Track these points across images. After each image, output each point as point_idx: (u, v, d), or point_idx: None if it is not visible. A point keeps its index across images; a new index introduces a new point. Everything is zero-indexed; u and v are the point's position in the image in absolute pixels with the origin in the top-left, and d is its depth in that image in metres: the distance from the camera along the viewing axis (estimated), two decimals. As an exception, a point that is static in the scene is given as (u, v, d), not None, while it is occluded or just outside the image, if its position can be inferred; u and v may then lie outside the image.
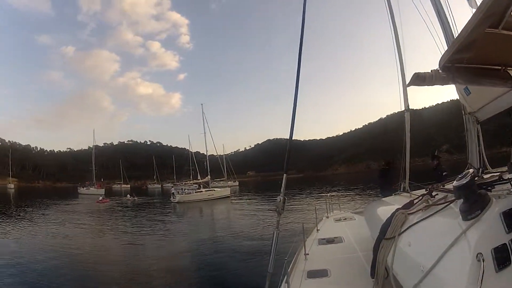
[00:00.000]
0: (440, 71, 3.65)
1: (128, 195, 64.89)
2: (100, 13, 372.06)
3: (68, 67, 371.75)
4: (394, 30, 8.32)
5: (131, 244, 20.69)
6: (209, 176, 64.68)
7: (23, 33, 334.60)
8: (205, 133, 67.07)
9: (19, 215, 38.13)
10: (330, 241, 7.72)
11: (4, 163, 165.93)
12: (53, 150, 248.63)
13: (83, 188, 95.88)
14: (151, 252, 18.30)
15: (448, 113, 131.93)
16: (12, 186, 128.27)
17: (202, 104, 70.39)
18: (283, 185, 4.33)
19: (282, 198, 4.21)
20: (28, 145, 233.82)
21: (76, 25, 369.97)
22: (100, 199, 58.06)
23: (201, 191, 55.90)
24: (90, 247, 20.06)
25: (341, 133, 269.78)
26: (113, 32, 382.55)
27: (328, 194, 14.60)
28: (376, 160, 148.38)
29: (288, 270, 5.28)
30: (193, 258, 16.40)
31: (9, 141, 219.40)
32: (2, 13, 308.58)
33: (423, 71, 3.92)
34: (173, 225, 29.53)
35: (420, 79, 3.86)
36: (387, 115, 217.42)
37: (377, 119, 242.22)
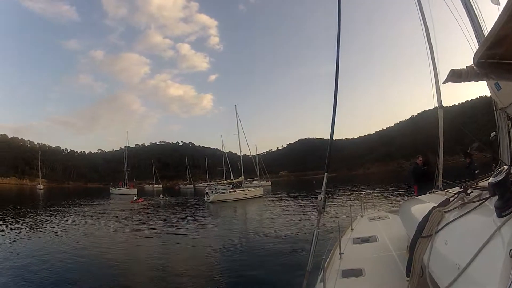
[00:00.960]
0: (474, 67, 3.73)
1: (161, 195, 66.57)
2: (127, 17, 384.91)
3: (98, 71, 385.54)
4: (425, 28, 8.47)
5: (169, 241, 21.48)
6: (243, 176, 65.79)
7: (51, 39, 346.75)
8: (238, 133, 68.57)
9: (52, 215, 39.61)
10: (364, 240, 7.86)
11: (33, 164, 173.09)
12: (83, 151, 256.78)
13: (115, 188, 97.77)
14: (190, 249, 19.13)
15: (478, 110, 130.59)
16: (41, 187, 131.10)
17: (235, 105, 71.79)
18: (324, 184, 4.38)
19: (323, 196, 4.25)
20: (58, 147, 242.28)
21: (104, 30, 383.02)
22: (134, 199, 59.90)
23: (235, 191, 56.92)
24: (130, 245, 21.26)
25: (373, 132, 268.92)
26: (141, 36, 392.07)
27: (363, 193, 14.77)
28: (408, 159, 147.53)
29: (324, 269, 5.22)
30: (231, 256, 16.89)
31: (38, 143, 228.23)
32: (27, 21, 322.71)
33: (459, 68, 3.99)
34: (209, 223, 30.50)
35: (456, 76, 3.96)
36: (418, 113, 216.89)
37: (408, 117, 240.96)
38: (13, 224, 30.46)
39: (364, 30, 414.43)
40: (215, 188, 57.55)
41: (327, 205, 4.43)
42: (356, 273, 5.60)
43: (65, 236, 23.74)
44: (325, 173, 4.54)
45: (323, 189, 4.25)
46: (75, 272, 14.60)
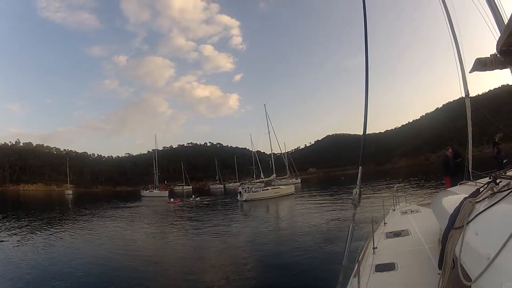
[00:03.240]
0: (498, 55, 3.92)
1: (193, 196, 68.75)
2: (149, 22, 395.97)
3: (123, 76, 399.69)
4: (447, 17, 8.54)
5: (214, 239, 23.20)
6: (274, 175, 68.06)
7: (73, 47, 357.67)
8: (269, 132, 71.34)
9: (92, 218, 41.87)
10: (397, 234, 8.01)
11: (61, 170, 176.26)
12: (111, 156, 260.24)
13: (145, 191, 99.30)
14: (232, 245, 20.53)
15: (501, 99, 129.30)
16: (70, 192, 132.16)
17: (265, 104, 75.18)
18: (358, 177, 4.49)
19: (358, 190, 4.37)
20: (85, 152, 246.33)
21: (127, 35, 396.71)
22: (171, 200, 62.73)
23: (267, 189, 58.67)
24: (177, 243, 23.31)
25: (399, 126, 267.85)
26: (164, 39, 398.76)
27: (395, 187, 15.95)
28: (434, 152, 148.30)
29: (358, 263, 5.50)
30: (270, 251, 17.87)
31: (64, 149, 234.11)
32: (47, 31, 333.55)
33: (484, 57, 4.18)
34: (245, 221, 32.41)
35: (482, 64, 4.14)
36: (443, 104, 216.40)
37: (433, 109, 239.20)
38: (52, 228, 32.42)
39: (386, 22, 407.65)
40: (248, 187, 59.24)
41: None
42: (389, 267, 5.80)
43: (118, 238, 25.72)
44: (360, 167, 4.64)
45: (358, 183, 4.44)
46: (124, 269, 16.13)
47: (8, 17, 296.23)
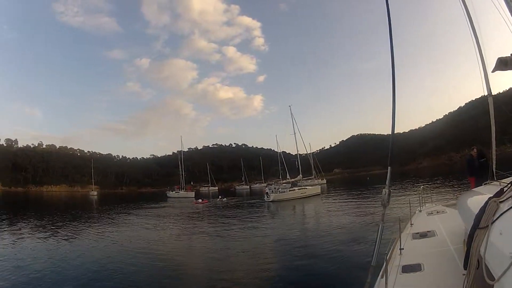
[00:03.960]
0: None
1: (219, 196, 70.21)
2: (170, 25, 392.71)
3: (145, 78, 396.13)
4: (468, 17, 8.59)
5: (244, 237, 23.82)
6: (301, 175, 68.89)
7: (94, 50, 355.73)
8: (295, 133, 72.55)
9: (124, 219, 42.06)
10: (423, 235, 8.05)
11: (85, 172, 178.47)
12: (136, 157, 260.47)
13: (171, 191, 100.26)
14: (261, 244, 21.06)
15: None
16: (95, 193, 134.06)
17: (290, 105, 76.70)
18: (388, 177, 4.51)
19: (387, 191, 4.39)
20: (110, 153, 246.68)
21: (148, 38, 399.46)
22: (199, 200, 63.92)
23: (294, 190, 59.37)
24: (210, 241, 23.99)
25: (423, 125, 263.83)
26: (186, 42, 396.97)
27: (420, 187, 16.32)
28: (457, 152, 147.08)
29: (384, 264, 5.49)
30: (301, 250, 18.20)
31: (88, 151, 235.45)
32: (66, 35, 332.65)
33: (505, 56, 4.21)
34: (274, 221, 33.30)
35: (503, 64, 4.17)
36: (465, 103, 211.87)
37: (456, 108, 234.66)
38: (84, 227, 33.98)
39: (407, 22, 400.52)
40: (275, 188, 59.88)
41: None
42: (415, 268, 5.83)
43: (155, 237, 26.55)
44: (389, 167, 4.71)
45: (387, 183, 4.43)
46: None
47: (26, 22, 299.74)
